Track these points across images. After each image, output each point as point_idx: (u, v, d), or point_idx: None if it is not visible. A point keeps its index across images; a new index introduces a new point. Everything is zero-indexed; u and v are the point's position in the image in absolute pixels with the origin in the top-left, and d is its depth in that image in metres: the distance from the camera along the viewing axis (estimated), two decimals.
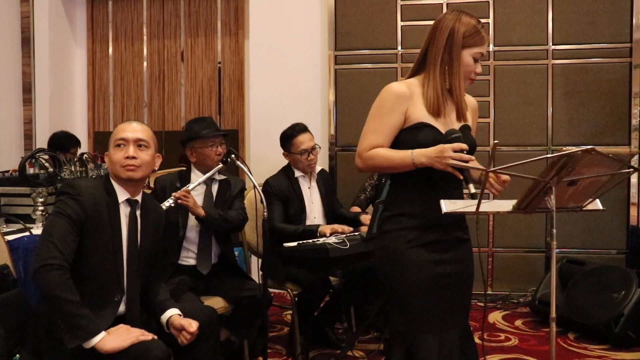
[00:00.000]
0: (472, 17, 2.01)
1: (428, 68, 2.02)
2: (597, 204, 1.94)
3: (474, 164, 1.85)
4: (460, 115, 2.05)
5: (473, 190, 1.86)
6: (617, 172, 1.81)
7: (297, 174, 3.52)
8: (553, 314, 1.86)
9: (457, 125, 2.03)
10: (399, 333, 2.03)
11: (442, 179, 1.96)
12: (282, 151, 3.56)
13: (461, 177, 1.88)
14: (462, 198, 2.00)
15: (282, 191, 3.44)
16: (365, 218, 3.52)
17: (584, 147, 1.67)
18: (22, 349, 2.13)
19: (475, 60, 2.00)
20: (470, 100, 2.14)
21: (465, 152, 1.85)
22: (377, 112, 1.99)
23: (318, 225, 3.32)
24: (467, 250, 2.10)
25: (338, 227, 3.28)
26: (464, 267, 2.08)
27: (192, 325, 2.24)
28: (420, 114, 1.98)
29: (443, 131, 1.98)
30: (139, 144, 2.27)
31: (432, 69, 2.01)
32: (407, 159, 1.91)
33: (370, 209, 3.85)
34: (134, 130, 2.28)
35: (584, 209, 1.94)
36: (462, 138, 1.91)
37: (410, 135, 1.97)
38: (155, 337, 2.13)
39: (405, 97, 1.98)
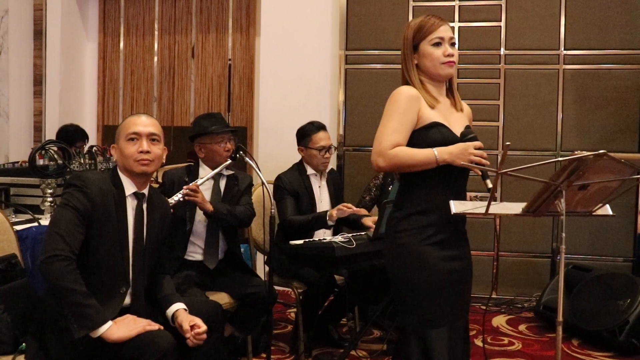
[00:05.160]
0: (421, 17, 2.11)
1: (408, 77, 2.12)
2: (607, 210, 1.94)
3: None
4: (458, 108, 2.15)
5: (490, 185, 1.93)
6: (627, 177, 1.81)
7: (309, 171, 3.53)
8: (560, 318, 1.86)
9: (461, 125, 2.11)
10: (413, 330, 2.06)
11: (452, 179, 2.05)
12: (290, 149, 3.56)
13: (480, 173, 1.97)
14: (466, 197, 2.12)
15: (293, 187, 3.45)
16: (368, 220, 3.51)
17: (595, 152, 1.66)
18: (28, 337, 2.14)
19: (438, 45, 2.06)
20: (465, 107, 2.22)
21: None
22: (393, 112, 2.02)
23: (326, 211, 3.32)
24: (468, 246, 2.19)
25: (343, 205, 3.27)
26: (467, 263, 2.16)
27: (202, 325, 2.24)
28: (432, 114, 2.05)
29: (454, 130, 2.06)
30: (152, 138, 2.28)
31: (410, 75, 2.10)
32: (431, 157, 1.98)
33: (375, 209, 3.85)
34: (146, 124, 2.29)
35: (594, 214, 1.94)
36: (477, 137, 2.01)
37: (423, 135, 2.03)
38: (162, 327, 2.15)
39: (416, 98, 2.04)
